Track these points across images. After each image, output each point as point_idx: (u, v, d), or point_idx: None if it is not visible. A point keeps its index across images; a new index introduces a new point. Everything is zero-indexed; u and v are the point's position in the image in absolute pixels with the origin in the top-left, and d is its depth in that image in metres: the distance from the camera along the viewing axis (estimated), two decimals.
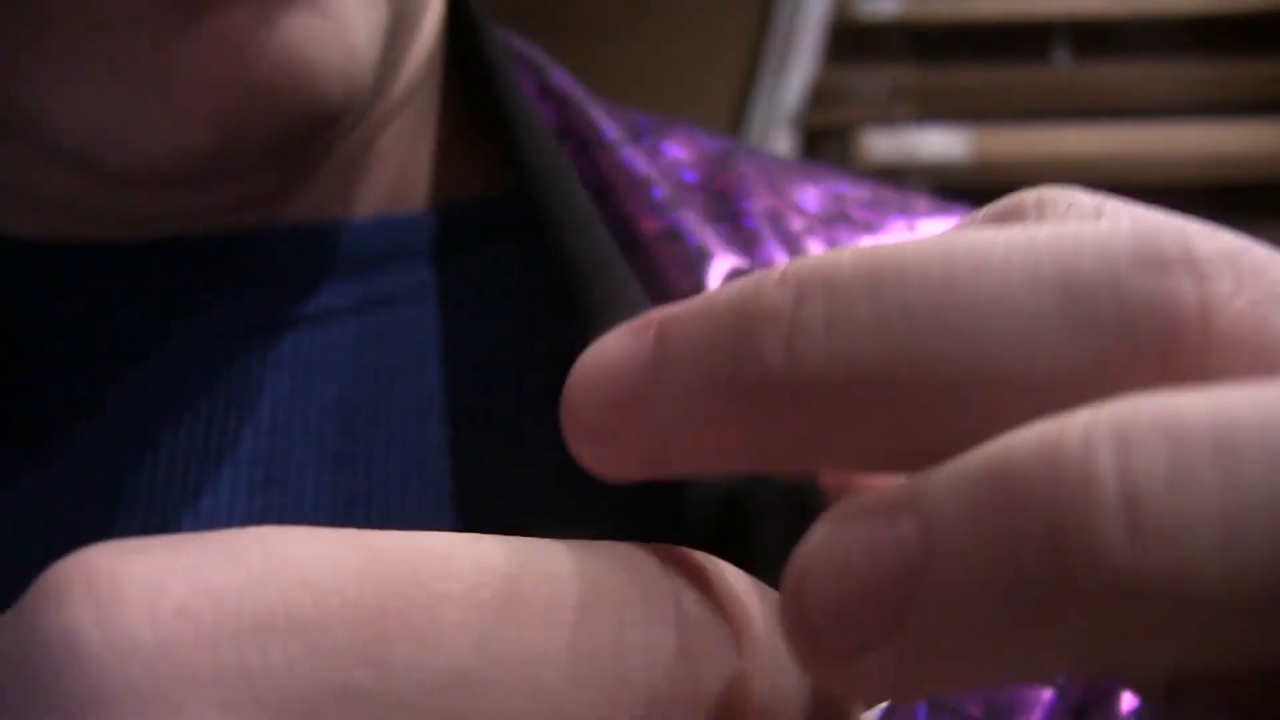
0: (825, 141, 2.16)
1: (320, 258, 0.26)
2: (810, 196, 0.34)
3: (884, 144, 2.05)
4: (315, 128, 0.23)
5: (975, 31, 2.23)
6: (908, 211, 0.36)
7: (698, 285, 0.28)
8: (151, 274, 0.25)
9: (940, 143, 2.04)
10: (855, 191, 0.36)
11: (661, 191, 0.30)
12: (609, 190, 0.29)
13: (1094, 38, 2.23)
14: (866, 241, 0.33)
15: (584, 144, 0.31)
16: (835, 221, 0.33)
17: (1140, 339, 0.12)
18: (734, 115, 2.31)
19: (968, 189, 2.18)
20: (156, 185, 0.23)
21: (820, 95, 2.15)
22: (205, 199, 0.25)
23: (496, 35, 0.31)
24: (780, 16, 2.26)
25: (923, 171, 2.03)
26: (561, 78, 0.33)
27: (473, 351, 0.27)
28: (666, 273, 0.28)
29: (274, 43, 0.20)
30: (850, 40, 2.25)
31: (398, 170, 0.29)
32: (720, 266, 0.28)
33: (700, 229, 0.29)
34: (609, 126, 0.32)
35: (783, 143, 2.20)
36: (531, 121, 0.29)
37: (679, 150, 0.34)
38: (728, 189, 0.32)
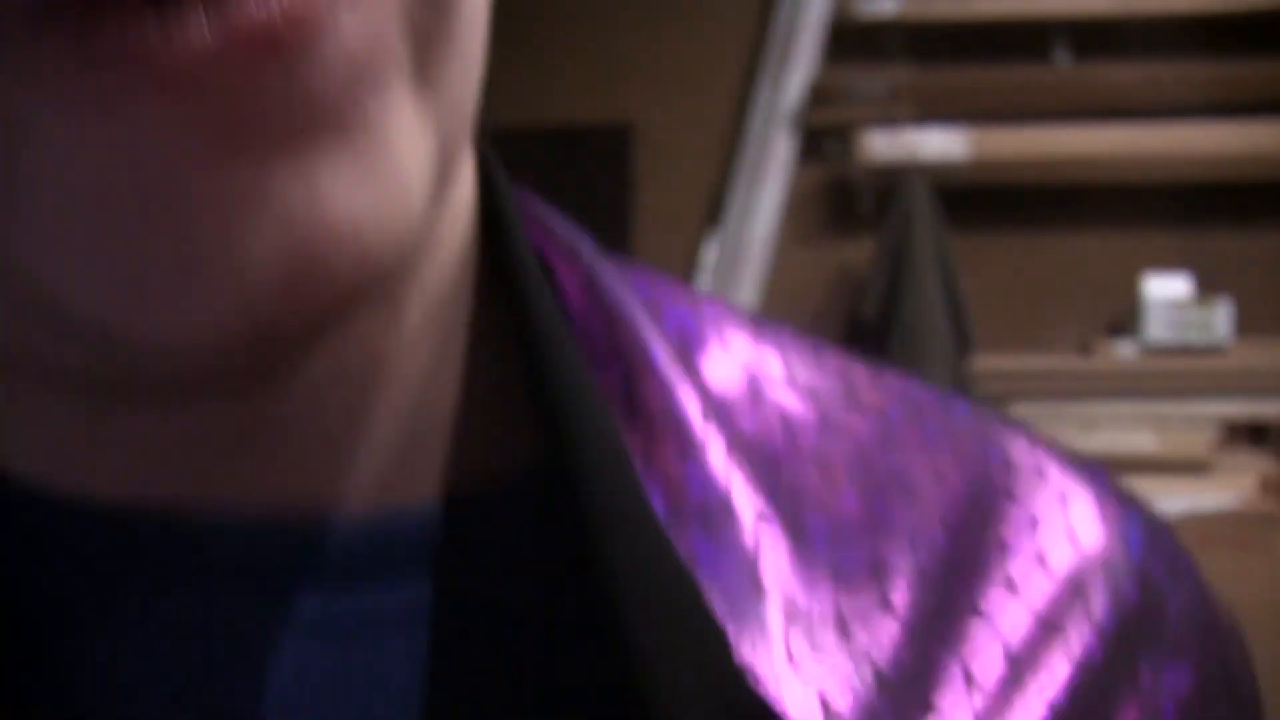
0: (825, 141, 2.16)
1: (288, 562, 0.21)
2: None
3: (884, 144, 2.05)
4: (353, 291, 0.18)
5: (975, 31, 2.23)
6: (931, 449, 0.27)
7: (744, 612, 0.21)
8: (82, 549, 0.20)
9: (940, 142, 2.04)
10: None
11: (712, 456, 0.23)
12: (655, 441, 0.22)
13: (1094, 38, 2.24)
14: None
15: (631, 376, 0.23)
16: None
17: None
18: (734, 115, 2.32)
19: (967, 188, 2.18)
20: (176, 373, 0.19)
21: (820, 95, 2.15)
22: (183, 450, 0.20)
23: (532, 225, 0.25)
24: (780, 16, 2.26)
25: (922, 171, 2.03)
26: (609, 276, 0.25)
27: (469, 701, 0.21)
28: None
29: (317, 208, 0.16)
30: (850, 40, 2.26)
31: (403, 431, 0.22)
32: (771, 562, 0.22)
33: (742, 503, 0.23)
34: (658, 347, 0.24)
35: (782, 143, 2.21)
36: (575, 375, 0.22)
37: (720, 368, 0.26)
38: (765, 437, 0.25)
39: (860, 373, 0.28)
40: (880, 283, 2.00)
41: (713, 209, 2.27)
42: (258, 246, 0.16)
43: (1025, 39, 2.24)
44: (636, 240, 2.29)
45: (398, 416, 0.22)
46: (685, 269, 2.26)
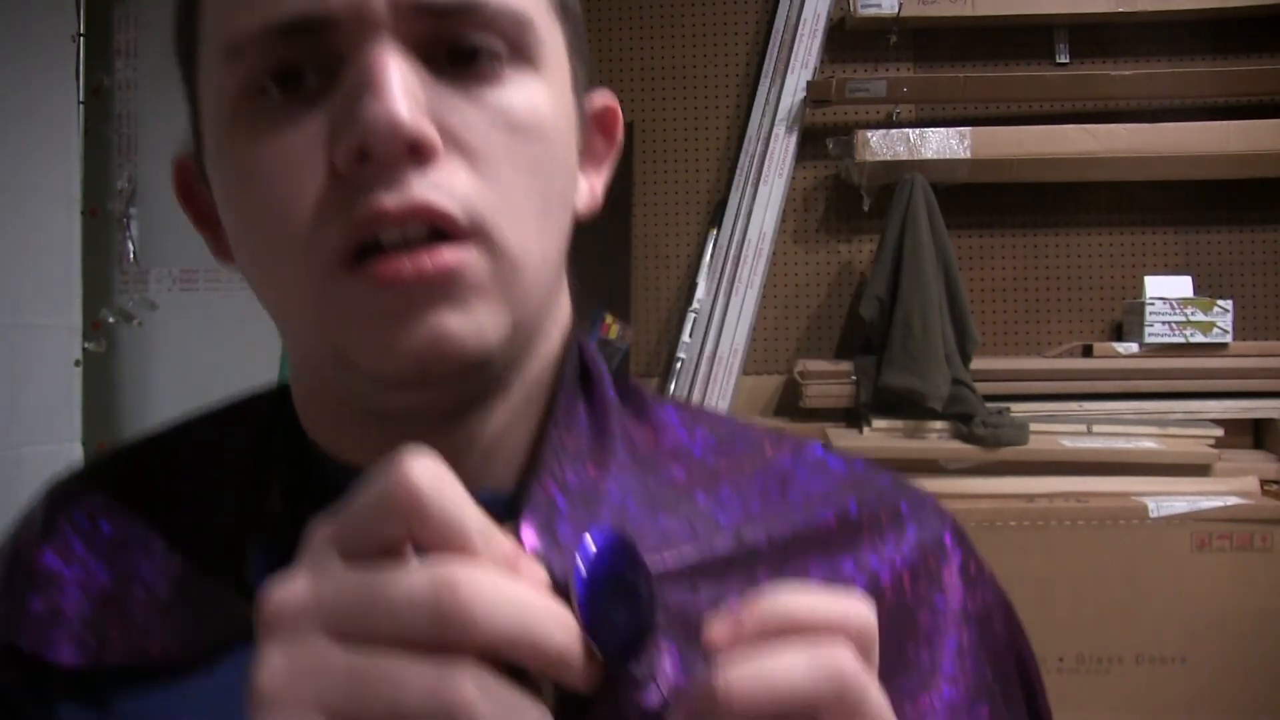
0: (825, 141, 2.16)
1: None
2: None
3: (884, 144, 2.05)
4: (463, 367, 0.41)
5: (975, 31, 2.23)
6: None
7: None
8: (346, 483, 0.38)
9: (940, 142, 2.04)
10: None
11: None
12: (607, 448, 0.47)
13: (1094, 38, 2.24)
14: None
15: (602, 418, 0.47)
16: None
17: None
18: (734, 115, 2.32)
19: (966, 187, 2.18)
20: (387, 386, 0.42)
21: (820, 95, 2.15)
22: (400, 432, 0.41)
23: (588, 355, 0.49)
24: (780, 16, 2.27)
25: (922, 170, 2.03)
26: (661, 410, 0.50)
27: None
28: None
29: (442, 327, 0.40)
30: (850, 40, 2.26)
31: (512, 451, 0.46)
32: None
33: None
34: (611, 393, 0.49)
35: (782, 143, 2.21)
36: (575, 424, 0.47)
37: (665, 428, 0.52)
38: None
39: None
40: (880, 283, 2.00)
41: (713, 209, 2.27)
42: (420, 342, 0.39)
43: (1025, 39, 2.24)
44: (637, 240, 2.29)
45: (509, 445, 0.46)
46: (686, 268, 2.26)
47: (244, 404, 0.51)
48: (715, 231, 2.23)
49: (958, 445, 1.85)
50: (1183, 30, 2.19)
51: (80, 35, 2.59)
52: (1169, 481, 1.82)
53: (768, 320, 2.22)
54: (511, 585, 0.30)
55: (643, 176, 2.32)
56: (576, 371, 0.48)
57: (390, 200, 0.38)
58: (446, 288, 0.39)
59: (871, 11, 2.15)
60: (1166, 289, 2.03)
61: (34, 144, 2.44)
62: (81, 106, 2.60)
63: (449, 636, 0.29)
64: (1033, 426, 1.85)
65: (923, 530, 0.48)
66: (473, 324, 0.40)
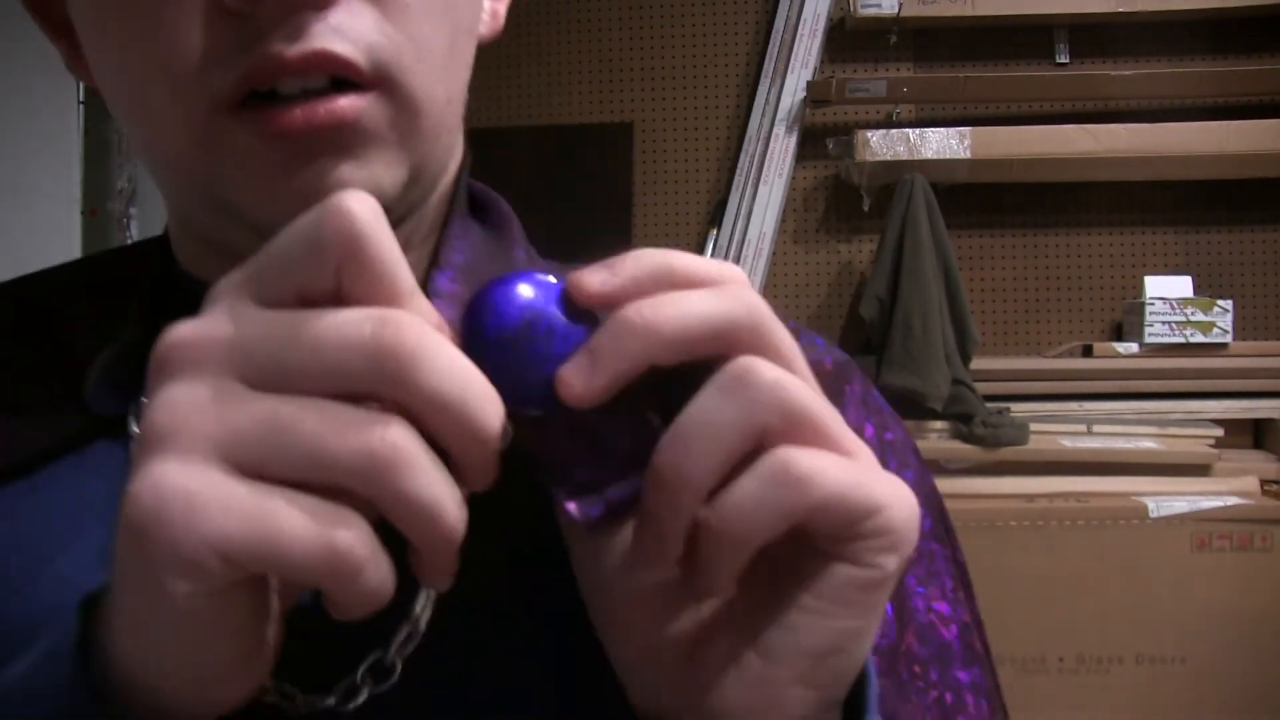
0: (825, 141, 2.16)
1: None
2: None
3: (884, 144, 2.05)
4: None
5: (975, 31, 2.23)
6: None
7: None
8: None
9: (940, 142, 2.04)
10: None
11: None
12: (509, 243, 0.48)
13: (1094, 38, 2.24)
14: None
15: (505, 234, 0.48)
16: None
17: None
18: (734, 115, 2.32)
19: (967, 187, 2.18)
20: (270, 237, 0.36)
21: (820, 95, 2.15)
22: None
23: (479, 191, 0.49)
24: (780, 16, 2.27)
25: (922, 170, 2.03)
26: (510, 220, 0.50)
27: None
28: None
29: (335, 179, 0.37)
30: (850, 40, 2.26)
31: (414, 264, 0.42)
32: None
33: None
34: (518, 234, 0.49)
35: (782, 143, 2.21)
36: (477, 239, 0.46)
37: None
38: None
39: None
40: (880, 283, 2.00)
41: (713, 209, 2.27)
42: (312, 193, 0.33)
43: (1025, 39, 2.24)
44: (637, 240, 2.29)
45: (414, 258, 0.43)
46: None
47: (130, 245, 0.49)
48: (715, 231, 2.23)
49: (958, 445, 1.85)
50: (1183, 30, 2.19)
51: None
52: (1169, 481, 1.82)
53: None
54: (450, 346, 0.27)
55: (643, 176, 2.32)
56: (466, 199, 0.47)
57: (290, 49, 0.35)
58: (341, 138, 0.36)
59: (871, 11, 2.15)
60: (1166, 289, 2.03)
61: (34, 144, 2.44)
62: (81, 106, 2.60)
63: (385, 382, 0.25)
64: (1033, 426, 1.85)
65: (811, 351, 0.47)
66: (368, 175, 0.37)
